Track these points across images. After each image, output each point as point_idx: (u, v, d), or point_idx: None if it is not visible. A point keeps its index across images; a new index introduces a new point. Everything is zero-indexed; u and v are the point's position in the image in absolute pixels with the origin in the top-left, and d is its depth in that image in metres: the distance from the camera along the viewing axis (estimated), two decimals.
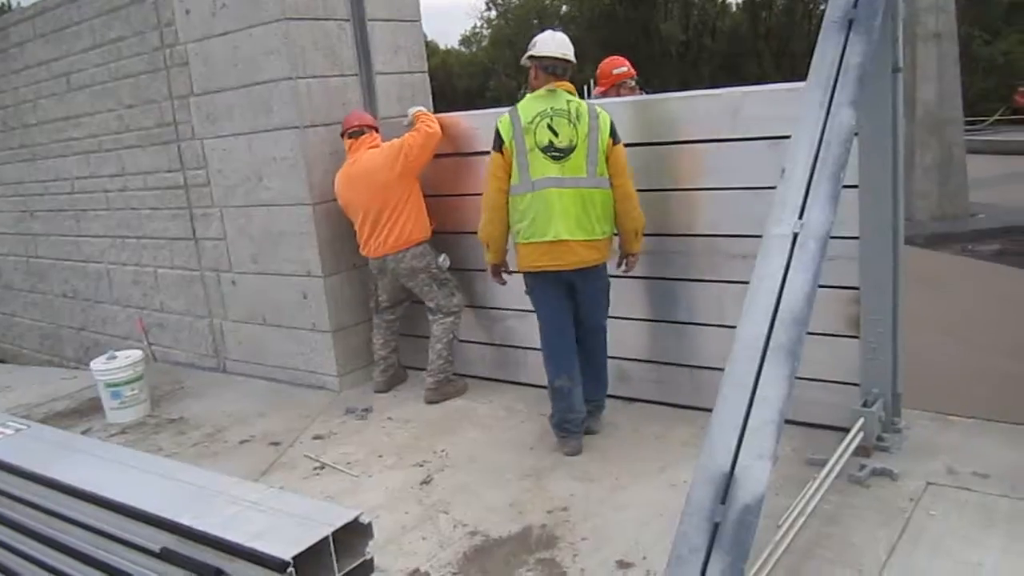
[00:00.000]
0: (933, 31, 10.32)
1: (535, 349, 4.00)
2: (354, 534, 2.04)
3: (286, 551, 1.88)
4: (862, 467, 3.20)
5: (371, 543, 2.08)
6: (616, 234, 3.79)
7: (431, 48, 36.15)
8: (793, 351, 2.26)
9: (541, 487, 3.52)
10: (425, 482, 3.69)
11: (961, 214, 10.64)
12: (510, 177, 3.68)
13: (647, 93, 5.16)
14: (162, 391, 5.56)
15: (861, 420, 3.32)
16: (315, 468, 4.00)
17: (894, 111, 3.21)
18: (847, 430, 3.31)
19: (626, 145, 3.73)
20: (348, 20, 4.90)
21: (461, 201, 4.66)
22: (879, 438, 3.37)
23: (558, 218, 3.59)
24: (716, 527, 2.06)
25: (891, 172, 3.24)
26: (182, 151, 5.54)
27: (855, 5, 2.77)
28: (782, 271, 2.40)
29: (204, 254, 5.68)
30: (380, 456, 4.04)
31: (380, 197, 4.49)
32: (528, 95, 3.76)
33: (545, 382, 3.87)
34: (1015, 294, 6.98)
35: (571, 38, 3.83)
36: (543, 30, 3.88)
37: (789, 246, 2.44)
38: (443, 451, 4.01)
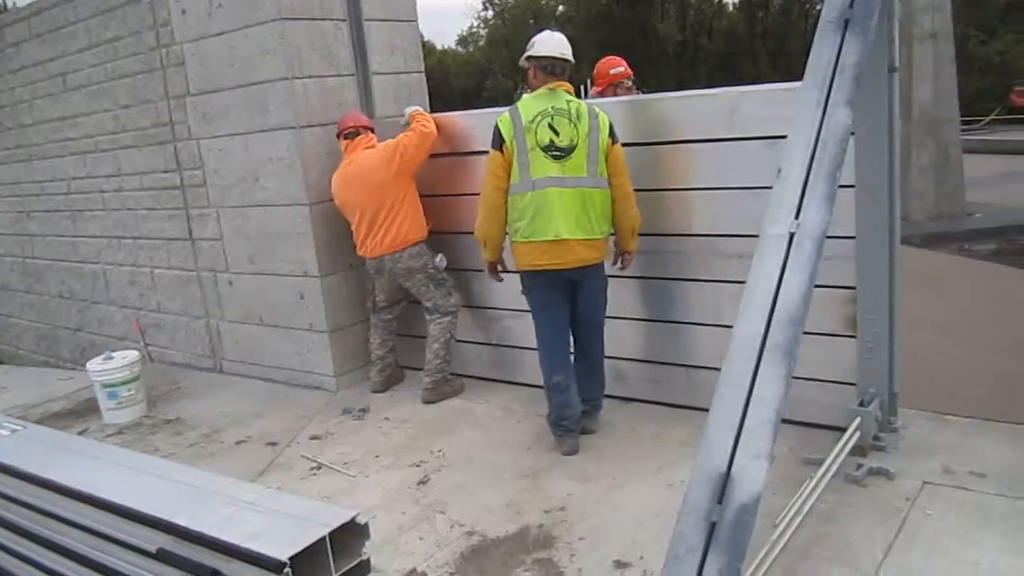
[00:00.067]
0: (929, 31, 10.34)
1: (532, 349, 4.00)
2: (351, 534, 2.03)
3: (283, 552, 1.88)
4: (859, 466, 3.20)
5: (368, 543, 2.08)
6: (612, 233, 3.80)
7: (428, 48, 36.16)
8: (790, 351, 2.26)
9: (538, 487, 3.52)
10: (422, 482, 3.69)
11: (957, 214, 10.66)
12: (509, 176, 3.68)
13: (644, 93, 5.16)
14: (159, 392, 5.55)
15: (858, 420, 3.32)
16: (312, 468, 3.99)
17: (890, 111, 3.21)
18: (844, 430, 3.31)
19: (623, 145, 3.74)
20: (344, 20, 4.89)
21: (458, 201, 4.66)
22: (876, 438, 3.37)
23: (558, 217, 3.59)
24: (713, 527, 2.06)
25: (887, 172, 3.25)
26: (178, 151, 5.53)
27: (851, 5, 2.77)
28: (778, 271, 2.40)
29: (201, 254, 5.67)
30: (377, 456, 4.04)
31: (376, 197, 4.49)
32: (528, 94, 3.77)
33: (542, 382, 3.87)
34: (1012, 293, 7.00)
35: (568, 38, 3.84)
36: (540, 30, 3.89)
37: (785, 246, 2.44)
38: (440, 451, 4.01)
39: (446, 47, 44.06)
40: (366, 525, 2.05)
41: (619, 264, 3.89)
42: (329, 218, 4.84)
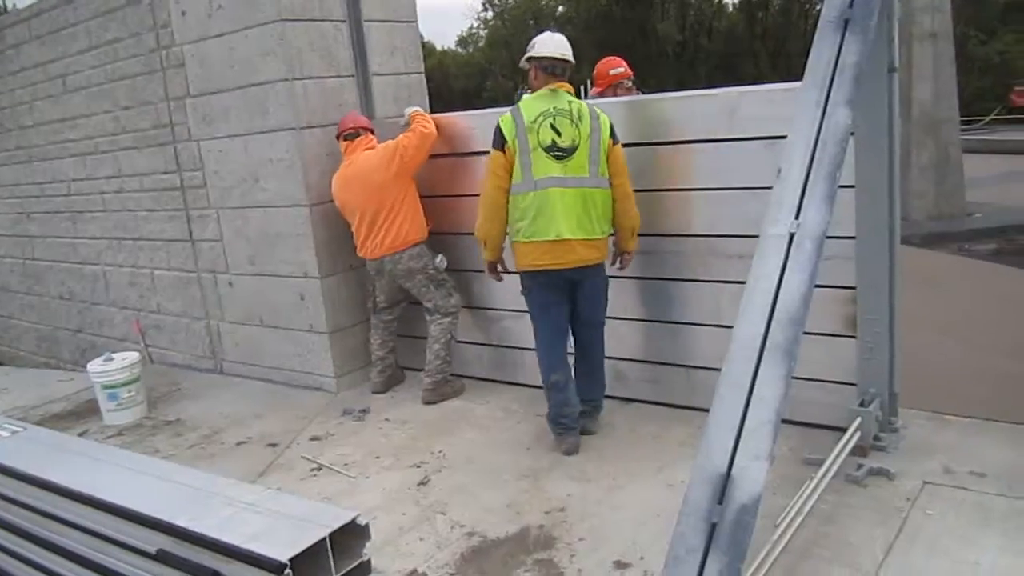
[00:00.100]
0: (929, 31, 10.35)
1: (532, 350, 3.99)
2: (351, 535, 2.03)
3: (283, 553, 1.88)
4: (859, 467, 3.20)
5: (368, 544, 2.08)
6: (612, 234, 3.80)
7: (428, 49, 36.17)
8: (790, 351, 2.26)
9: (538, 488, 3.52)
10: (422, 483, 3.69)
11: (957, 213, 10.66)
12: (511, 176, 3.69)
13: (644, 93, 5.16)
14: (159, 393, 5.55)
15: (858, 420, 3.32)
16: (312, 469, 3.99)
17: (890, 111, 3.21)
18: (844, 430, 3.31)
19: (623, 145, 3.75)
20: (344, 21, 4.89)
21: (458, 201, 4.66)
22: (876, 438, 3.37)
23: (560, 217, 3.60)
24: (713, 527, 2.06)
25: (887, 172, 3.25)
26: (178, 153, 5.54)
27: (851, 5, 2.77)
28: (778, 271, 2.40)
29: (201, 255, 5.67)
30: (377, 457, 4.04)
31: (376, 198, 4.49)
32: (530, 95, 3.77)
33: (542, 383, 3.88)
34: (1012, 293, 7.00)
35: (568, 39, 3.84)
36: (540, 31, 3.90)
37: (785, 246, 2.44)
38: (440, 452, 4.01)
39: (446, 48, 44.11)
40: (366, 526, 2.05)
41: (618, 264, 3.90)
42: (329, 219, 4.84)
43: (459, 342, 4.80)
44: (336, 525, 1.99)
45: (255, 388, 5.41)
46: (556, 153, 3.62)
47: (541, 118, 3.64)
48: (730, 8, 35.85)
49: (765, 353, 2.28)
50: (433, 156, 4.57)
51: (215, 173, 5.32)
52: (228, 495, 2.23)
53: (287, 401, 5.05)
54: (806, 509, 2.81)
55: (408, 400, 4.77)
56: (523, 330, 4.39)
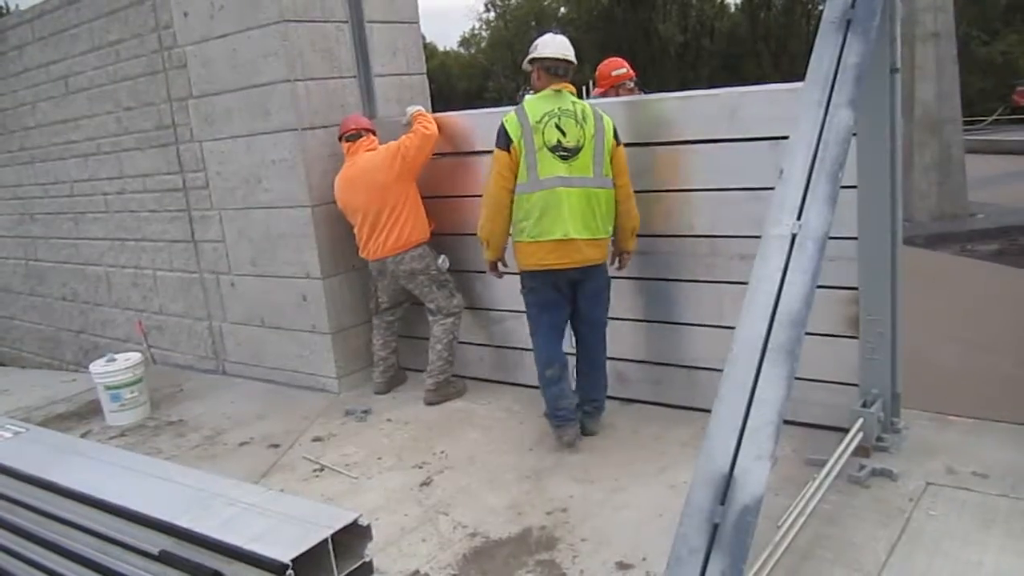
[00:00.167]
0: (931, 31, 10.32)
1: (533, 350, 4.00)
2: (353, 536, 2.04)
3: (285, 553, 1.88)
4: (861, 467, 3.20)
5: (370, 545, 2.08)
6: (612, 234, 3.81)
7: (430, 50, 36.20)
8: (792, 352, 2.26)
9: (541, 488, 3.52)
10: (425, 484, 3.69)
11: (960, 214, 10.63)
12: (515, 176, 3.69)
13: (646, 94, 5.15)
14: (161, 393, 5.55)
15: (860, 420, 3.32)
16: (314, 470, 4.00)
17: (892, 111, 3.21)
18: (846, 430, 3.30)
19: (625, 145, 3.76)
20: (346, 22, 4.90)
21: (460, 202, 4.66)
22: (878, 438, 3.37)
23: (566, 217, 3.61)
24: (715, 528, 2.06)
25: (889, 172, 3.24)
26: (181, 153, 5.54)
27: (853, 5, 2.77)
28: (781, 272, 2.40)
29: (203, 256, 5.68)
30: (379, 458, 4.04)
31: (378, 199, 4.50)
32: (533, 95, 3.78)
33: (537, 377, 3.88)
34: (1014, 294, 6.98)
35: (570, 40, 3.85)
36: (542, 32, 3.92)
37: (788, 247, 2.44)
38: (443, 452, 4.01)
39: (448, 49, 44.12)
40: (368, 527, 2.06)
41: (617, 264, 3.90)
42: (331, 220, 4.84)
43: (461, 343, 4.80)
44: (338, 526, 2.00)
45: (257, 389, 5.41)
46: (561, 153, 3.63)
47: (546, 118, 3.65)
48: (732, 8, 35.85)
49: (767, 354, 2.28)
50: (435, 156, 4.57)
51: (217, 174, 5.32)
52: (230, 496, 2.24)
53: (289, 402, 5.05)
54: (808, 510, 2.81)
55: (410, 401, 4.77)
56: (525, 331, 4.37)
